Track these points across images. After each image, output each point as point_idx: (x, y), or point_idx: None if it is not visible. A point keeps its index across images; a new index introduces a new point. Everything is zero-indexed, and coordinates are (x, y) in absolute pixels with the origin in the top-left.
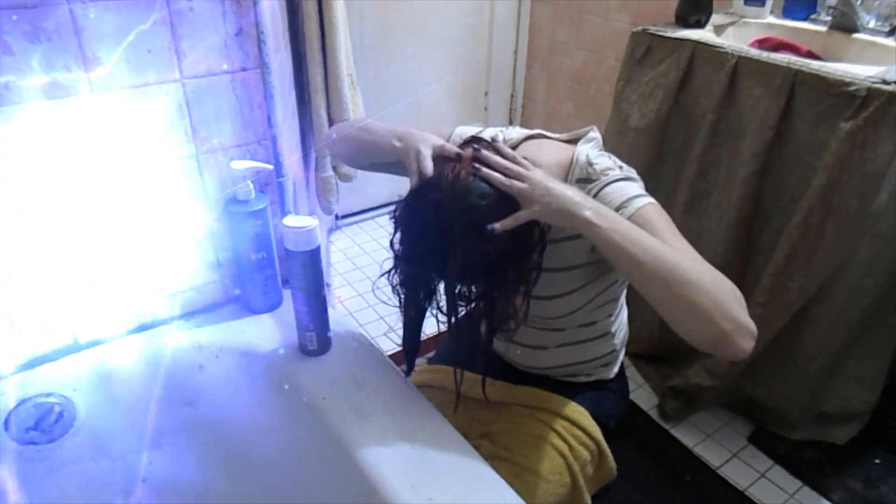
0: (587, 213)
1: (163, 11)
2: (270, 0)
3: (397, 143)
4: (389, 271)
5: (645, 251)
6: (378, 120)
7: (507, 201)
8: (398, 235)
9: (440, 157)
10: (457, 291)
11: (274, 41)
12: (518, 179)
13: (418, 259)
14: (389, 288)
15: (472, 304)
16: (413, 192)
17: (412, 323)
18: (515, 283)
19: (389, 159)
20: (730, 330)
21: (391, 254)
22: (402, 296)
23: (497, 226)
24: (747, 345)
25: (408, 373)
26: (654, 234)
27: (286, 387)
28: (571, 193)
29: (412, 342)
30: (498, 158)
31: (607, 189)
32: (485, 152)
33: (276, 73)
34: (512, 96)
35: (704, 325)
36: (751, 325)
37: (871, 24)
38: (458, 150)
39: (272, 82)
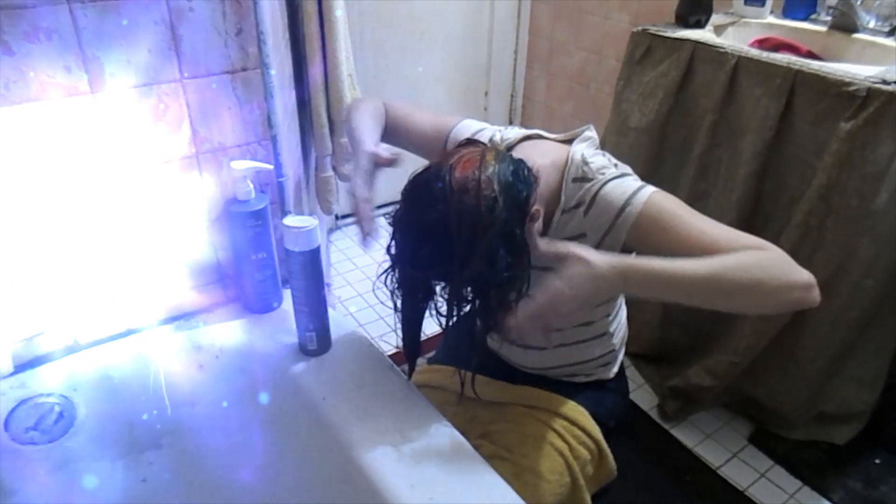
0: (614, 291)
1: (163, 11)
2: (270, 0)
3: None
4: (386, 272)
5: (687, 286)
6: (395, 104)
7: (512, 201)
8: (397, 238)
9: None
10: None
11: (274, 41)
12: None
13: (420, 262)
14: (387, 290)
15: (470, 304)
16: (412, 194)
17: (411, 325)
18: (512, 283)
19: None
20: (799, 296)
21: (388, 258)
22: (401, 298)
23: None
24: (816, 295)
25: (409, 375)
26: (673, 224)
27: (286, 387)
28: (594, 286)
29: (412, 344)
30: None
31: (607, 187)
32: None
33: (276, 73)
34: (512, 96)
35: (776, 307)
36: (809, 277)
37: (871, 24)
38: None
39: (272, 82)
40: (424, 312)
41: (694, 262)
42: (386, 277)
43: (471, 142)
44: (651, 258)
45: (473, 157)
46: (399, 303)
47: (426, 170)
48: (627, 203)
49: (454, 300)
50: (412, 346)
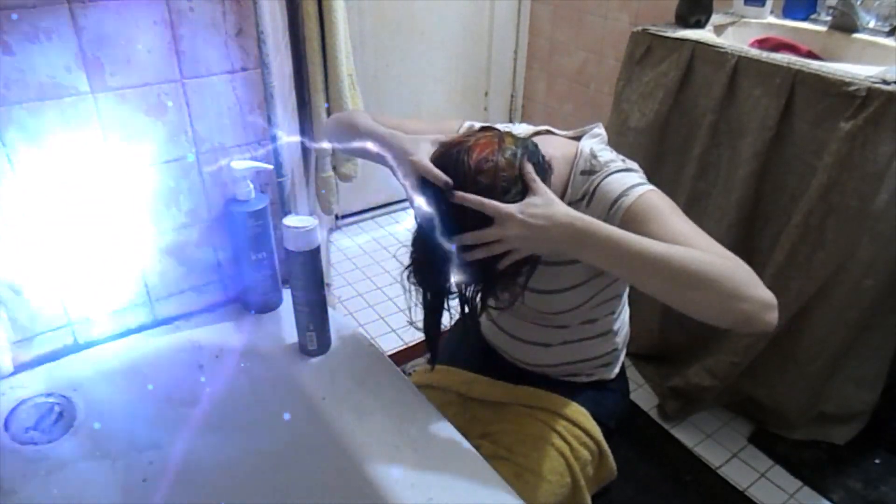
0: (566, 247)
1: (163, 11)
2: (270, 0)
3: (382, 155)
4: (410, 261)
5: (640, 262)
6: (384, 117)
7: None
8: (418, 220)
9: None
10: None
11: (274, 41)
12: (496, 216)
13: (428, 245)
14: (405, 278)
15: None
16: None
17: (431, 306)
18: (517, 265)
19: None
20: (750, 310)
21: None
22: (420, 277)
23: (466, 257)
24: (771, 317)
25: (432, 360)
26: (657, 219)
27: (286, 387)
28: (548, 224)
29: (433, 327)
30: (472, 198)
31: (609, 179)
32: (459, 195)
33: (276, 73)
34: (512, 96)
35: (724, 314)
36: (769, 298)
37: (871, 24)
38: (445, 178)
39: (272, 82)
40: (445, 294)
41: (655, 242)
42: (406, 267)
43: (486, 128)
44: (615, 228)
45: (490, 139)
46: (418, 287)
47: (444, 150)
48: (622, 195)
49: (464, 282)
50: (433, 329)
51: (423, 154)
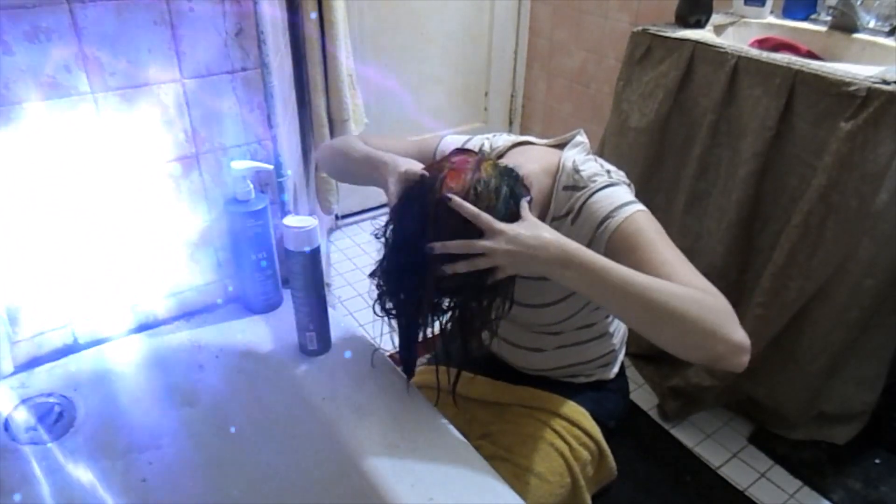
0: (550, 268)
1: (163, 11)
2: (270, 0)
3: (375, 174)
4: (375, 272)
5: (622, 292)
6: (366, 137)
7: (502, 212)
8: (387, 252)
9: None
10: (434, 301)
11: (274, 41)
12: (487, 230)
13: (399, 271)
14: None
15: (449, 314)
16: (405, 205)
17: (406, 338)
18: (495, 294)
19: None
20: (722, 351)
21: (377, 277)
22: (395, 312)
23: (448, 269)
24: (741, 360)
25: (408, 377)
26: (643, 246)
27: (286, 387)
28: (536, 244)
29: (407, 350)
30: (469, 208)
31: (595, 196)
32: (457, 201)
33: (276, 73)
34: (512, 96)
35: (696, 352)
36: (743, 340)
37: (871, 24)
38: (422, 172)
39: (272, 82)
40: (419, 326)
41: (638, 274)
42: (378, 294)
43: (461, 151)
44: (599, 255)
45: (464, 167)
46: (393, 315)
47: (417, 182)
48: (609, 216)
49: (436, 311)
50: (407, 352)
51: (415, 167)
